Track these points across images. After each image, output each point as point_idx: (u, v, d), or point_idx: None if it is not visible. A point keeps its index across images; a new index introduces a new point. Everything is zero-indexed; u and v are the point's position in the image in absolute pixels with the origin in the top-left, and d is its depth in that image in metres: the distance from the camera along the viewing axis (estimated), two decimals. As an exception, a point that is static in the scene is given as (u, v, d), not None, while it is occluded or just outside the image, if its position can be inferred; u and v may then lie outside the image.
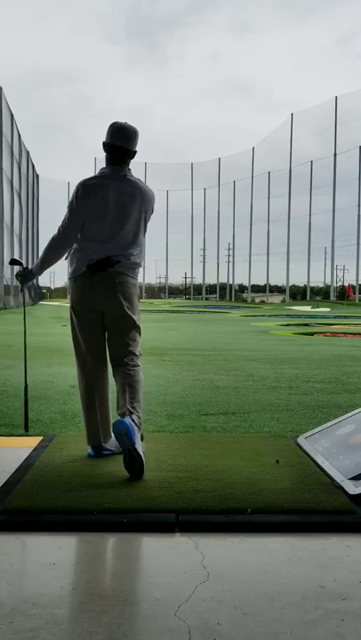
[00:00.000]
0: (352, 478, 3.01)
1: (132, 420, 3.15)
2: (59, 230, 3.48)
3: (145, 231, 3.58)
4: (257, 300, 69.08)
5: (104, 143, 3.48)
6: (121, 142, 3.45)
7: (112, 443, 3.53)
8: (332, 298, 56.87)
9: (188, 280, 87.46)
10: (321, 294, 73.27)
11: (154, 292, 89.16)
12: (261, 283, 72.42)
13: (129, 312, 3.42)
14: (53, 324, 19.57)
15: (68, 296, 3.56)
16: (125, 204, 3.44)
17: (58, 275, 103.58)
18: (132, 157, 3.53)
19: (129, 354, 3.42)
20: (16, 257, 40.50)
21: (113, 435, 3.29)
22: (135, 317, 3.46)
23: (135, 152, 3.51)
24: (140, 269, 3.61)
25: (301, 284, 67.60)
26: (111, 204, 3.41)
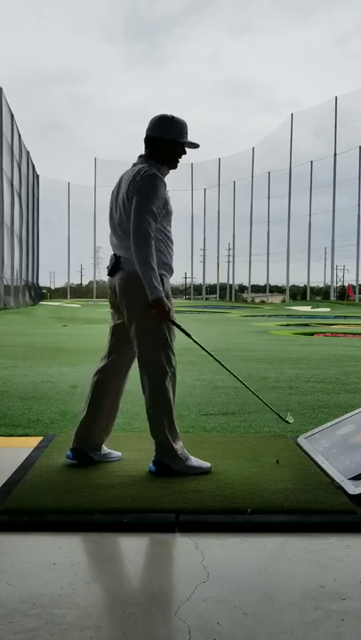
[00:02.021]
0: (352, 478, 3.01)
1: (153, 463, 3.21)
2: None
3: None
4: (257, 300, 69.07)
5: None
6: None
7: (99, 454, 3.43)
8: (332, 298, 56.85)
9: (188, 280, 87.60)
10: (321, 294, 73.28)
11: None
12: (261, 283, 72.42)
13: None
14: (53, 325, 19.58)
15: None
16: None
17: (58, 275, 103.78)
18: (153, 143, 3.28)
19: None
20: (16, 257, 39.97)
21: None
22: None
23: (151, 137, 3.27)
24: None
25: (301, 284, 67.62)
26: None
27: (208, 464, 3.25)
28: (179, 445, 3.25)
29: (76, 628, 1.84)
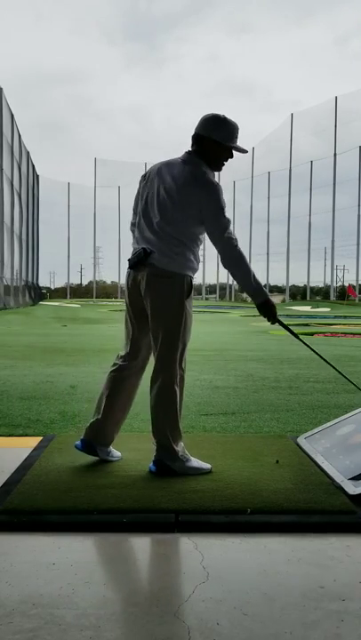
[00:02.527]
0: (352, 478, 3.01)
1: (153, 463, 3.22)
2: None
3: None
4: (257, 300, 68.93)
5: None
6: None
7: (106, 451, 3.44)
8: (332, 298, 56.85)
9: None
10: (321, 294, 73.24)
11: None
12: (261, 283, 72.38)
13: None
14: (53, 325, 19.59)
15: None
16: None
17: (58, 275, 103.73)
18: (201, 142, 3.22)
19: None
20: (16, 257, 39.90)
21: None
22: None
23: (199, 135, 3.22)
24: None
25: (301, 284, 67.60)
26: None
27: (208, 465, 3.25)
28: (180, 446, 3.24)
29: (75, 628, 1.84)
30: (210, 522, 2.62)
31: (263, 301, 3.23)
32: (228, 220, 3.16)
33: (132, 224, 3.38)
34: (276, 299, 67.99)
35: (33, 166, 51.72)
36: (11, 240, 36.53)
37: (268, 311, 3.25)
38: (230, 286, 76.56)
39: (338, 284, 69.04)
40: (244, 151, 3.28)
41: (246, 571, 2.24)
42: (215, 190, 3.13)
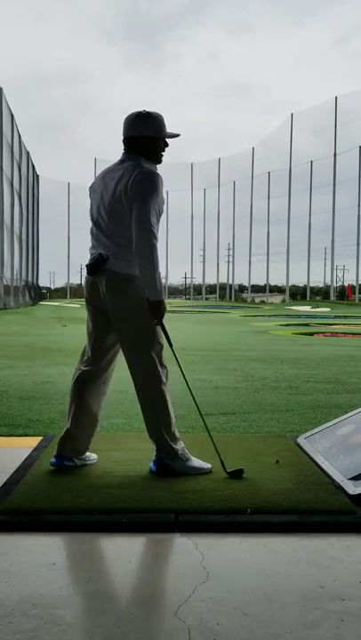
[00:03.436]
0: (352, 478, 3.01)
1: (154, 462, 3.22)
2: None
3: None
4: (257, 300, 69.06)
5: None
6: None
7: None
8: (332, 298, 56.86)
9: (188, 280, 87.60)
10: (321, 294, 73.27)
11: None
12: (261, 283, 72.42)
13: None
14: (53, 325, 19.59)
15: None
16: None
17: (58, 275, 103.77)
18: (134, 143, 3.22)
19: None
20: (16, 257, 39.75)
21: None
22: None
23: (131, 137, 3.22)
24: None
25: (301, 284, 67.60)
26: None
27: (209, 465, 3.25)
28: (179, 446, 3.24)
29: (75, 628, 1.83)
30: (210, 522, 2.62)
31: (158, 301, 3.09)
32: (150, 210, 3.05)
33: (90, 232, 3.35)
34: (276, 299, 68.15)
35: (33, 166, 51.73)
36: (11, 240, 36.53)
37: (157, 312, 3.12)
38: (230, 286, 76.60)
39: (338, 284, 69.10)
40: (175, 135, 3.30)
41: (246, 571, 2.24)
42: (145, 177, 3.09)
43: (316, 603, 2.00)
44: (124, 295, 3.14)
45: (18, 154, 40.25)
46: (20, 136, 41.23)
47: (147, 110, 3.24)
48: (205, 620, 1.88)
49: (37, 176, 56.09)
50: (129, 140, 3.23)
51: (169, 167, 75.42)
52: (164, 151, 3.29)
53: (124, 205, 3.10)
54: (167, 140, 3.28)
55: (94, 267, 3.17)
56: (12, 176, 36.96)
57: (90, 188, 3.38)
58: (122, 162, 3.24)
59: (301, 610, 1.96)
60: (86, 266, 3.25)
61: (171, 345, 3.24)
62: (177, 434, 3.28)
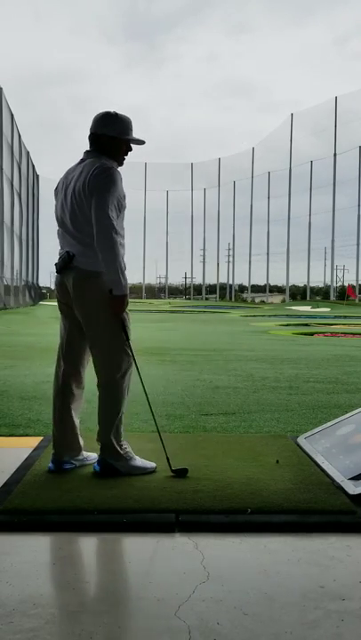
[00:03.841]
0: (352, 478, 3.01)
1: (97, 462, 3.23)
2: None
3: None
4: (257, 300, 69.05)
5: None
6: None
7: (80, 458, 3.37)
8: (332, 298, 56.86)
9: (188, 280, 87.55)
10: (321, 294, 73.26)
11: (154, 292, 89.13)
12: (261, 283, 72.45)
13: None
14: (54, 324, 19.57)
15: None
16: None
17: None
18: (97, 140, 3.26)
19: None
20: (16, 257, 39.59)
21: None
22: None
23: (95, 134, 3.26)
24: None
25: (301, 284, 67.62)
26: None
27: (153, 464, 3.24)
28: (123, 445, 3.23)
29: (75, 627, 1.84)
30: (210, 522, 2.62)
31: (122, 295, 3.11)
32: (113, 207, 3.08)
33: (56, 232, 3.37)
34: (276, 299, 68.15)
35: (33, 166, 51.71)
36: (11, 240, 36.52)
37: (120, 306, 3.13)
38: (230, 286, 76.61)
39: (338, 284, 69.07)
40: (140, 142, 3.33)
41: (246, 570, 2.24)
42: (101, 172, 3.10)
43: (317, 602, 2.00)
44: (90, 291, 3.16)
45: (18, 154, 40.25)
46: (20, 136, 41.23)
47: (116, 111, 3.29)
48: (205, 619, 1.88)
49: (37, 176, 56.07)
50: (93, 137, 3.27)
51: (169, 167, 75.60)
52: (126, 154, 3.33)
53: (85, 202, 3.12)
54: (132, 145, 3.32)
55: (62, 265, 3.20)
56: (12, 176, 36.96)
57: (54, 189, 3.40)
58: (82, 160, 3.27)
59: (301, 610, 1.96)
60: (55, 265, 3.27)
61: (128, 339, 3.23)
62: (123, 433, 3.28)
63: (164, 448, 3.21)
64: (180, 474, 3.14)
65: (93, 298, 3.16)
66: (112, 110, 3.28)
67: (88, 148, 3.29)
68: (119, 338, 3.20)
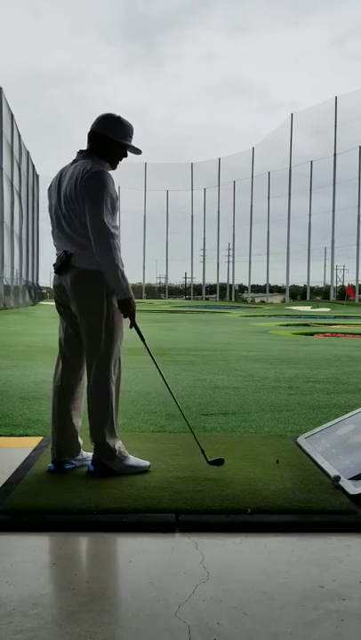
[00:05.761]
0: (352, 478, 3.01)
1: (92, 462, 3.23)
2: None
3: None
4: (257, 301, 69.03)
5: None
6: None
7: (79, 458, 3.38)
8: (332, 298, 56.86)
9: (188, 280, 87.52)
10: (321, 294, 73.25)
11: (154, 292, 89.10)
12: (261, 283, 72.44)
13: None
14: (53, 324, 19.56)
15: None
16: None
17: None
18: (95, 139, 3.27)
19: None
20: (16, 257, 39.57)
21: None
22: None
23: (94, 133, 3.27)
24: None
25: (301, 285, 67.61)
26: None
27: (147, 462, 3.24)
28: (118, 445, 3.23)
29: (75, 628, 1.84)
30: (210, 522, 2.62)
31: (125, 299, 3.13)
32: (103, 210, 3.07)
33: (51, 233, 3.37)
34: (276, 299, 68.13)
35: (33, 166, 51.71)
36: (11, 240, 36.52)
37: (127, 310, 3.16)
38: (230, 286, 76.59)
39: (338, 284, 69.08)
40: (137, 151, 3.33)
41: (246, 570, 2.24)
42: (92, 176, 3.10)
43: (316, 602, 2.01)
44: (87, 290, 3.17)
45: (18, 154, 40.24)
46: (19, 136, 41.23)
47: (120, 115, 3.30)
48: (206, 619, 1.88)
49: (37, 176, 56.07)
50: (91, 135, 3.27)
51: (169, 167, 75.59)
52: (120, 159, 3.32)
53: (77, 205, 3.13)
54: (128, 152, 3.32)
55: (61, 265, 3.22)
56: (11, 176, 36.96)
57: (48, 189, 3.40)
58: (75, 161, 3.27)
59: (301, 609, 1.96)
60: (53, 265, 3.28)
61: (144, 341, 3.26)
62: (117, 432, 3.28)
63: (197, 441, 3.26)
64: (218, 463, 3.19)
65: (89, 295, 3.17)
66: (117, 114, 3.29)
67: (85, 148, 3.28)
68: (112, 338, 3.20)
